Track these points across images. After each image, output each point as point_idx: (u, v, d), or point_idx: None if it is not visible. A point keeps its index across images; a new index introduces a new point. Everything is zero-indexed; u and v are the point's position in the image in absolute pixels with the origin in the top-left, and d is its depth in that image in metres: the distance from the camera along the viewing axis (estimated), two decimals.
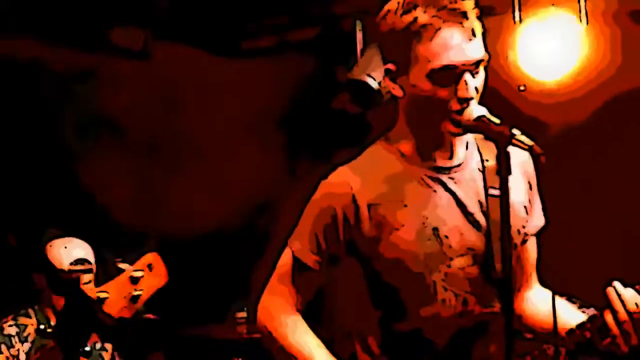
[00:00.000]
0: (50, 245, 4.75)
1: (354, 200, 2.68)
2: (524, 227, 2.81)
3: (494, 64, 5.22)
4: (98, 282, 4.69)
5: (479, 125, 2.52)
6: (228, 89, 5.88)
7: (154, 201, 5.91)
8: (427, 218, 2.66)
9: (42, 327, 4.66)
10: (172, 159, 5.99)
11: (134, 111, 5.87)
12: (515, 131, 2.41)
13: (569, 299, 4.61)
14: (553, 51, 5.13)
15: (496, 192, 2.63)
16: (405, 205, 2.67)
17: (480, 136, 2.78)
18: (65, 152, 5.98)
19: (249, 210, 5.90)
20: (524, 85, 5.18)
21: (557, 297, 2.86)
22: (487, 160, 2.75)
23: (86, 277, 4.65)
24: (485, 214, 2.70)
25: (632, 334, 2.62)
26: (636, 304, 2.62)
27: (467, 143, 2.77)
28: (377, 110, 5.32)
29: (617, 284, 2.67)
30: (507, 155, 2.42)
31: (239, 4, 5.74)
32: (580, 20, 5.07)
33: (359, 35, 5.58)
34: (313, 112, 5.88)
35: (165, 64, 5.96)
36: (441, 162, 2.72)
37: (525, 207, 2.81)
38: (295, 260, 2.81)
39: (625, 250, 5.05)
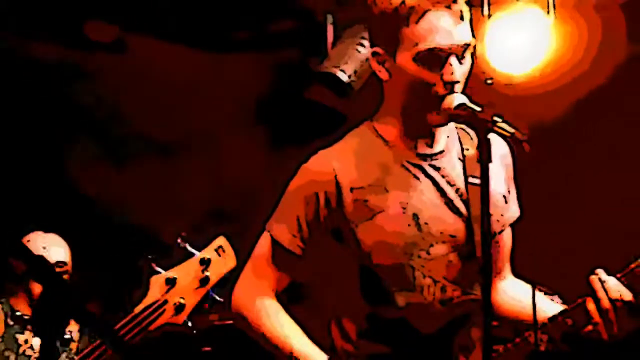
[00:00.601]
0: (28, 240, 4.69)
1: (337, 183, 2.67)
2: (502, 216, 2.81)
3: None
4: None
5: (460, 113, 2.50)
6: (207, 82, 5.82)
7: (138, 193, 5.84)
8: (407, 204, 2.66)
9: (9, 321, 4.62)
10: (153, 152, 5.91)
11: (114, 105, 5.78)
12: (496, 118, 2.40)
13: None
14: (521, 44, 5.15)
15: (476, 180, 2.64)
16: (387, 190, 2.67)
17: (461, 125, 2.77)
18: (43, 146, 5.90)
19: (233, 200, 5.83)
20: (491, 78, 5.16)
21: (526, 286, 2.87)
22: (467, 149, 2.77)
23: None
24: (466, 201, 2.67)
25: (614, 322, 2.63)
26: (619, 292, 2.61)
27: (449, 131, 2.77)
28: (353, 100, 5.27)
29: (600, 271, 2.69)
30: (488, 142, 2.41)
31: None
32: (548, 13, 5.08)
33: (330, 29, 5.53)
34: (293, 103, 5.84)
35: (141, 57, 5.86)
36: (423, 149, 2.72)
37: (504, 196, 2.82)
38: (276, 245, 2.78)
39: (597, 243, 5.04)
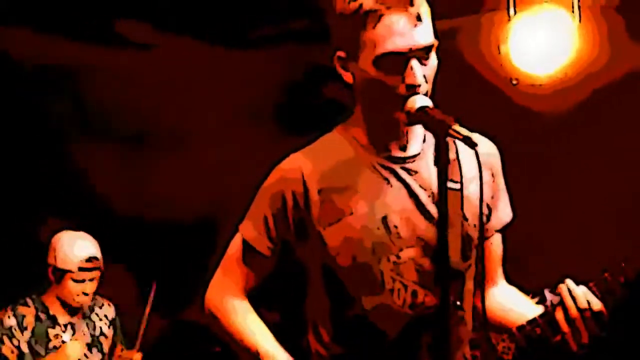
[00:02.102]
0: (58, 238, 4.72)
1: (304, 184, 2.58)
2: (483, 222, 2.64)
3: (488, 58, 5.16)
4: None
5: (421, 116, 2.38)
6: (227, 79, 5.78)
7: (156, 190, 5.84)
8: (377, 207, 2.55)
9: (41, 315, 4.65)
10: (173, 149, 5.89)
11: (137, 102, 5.76)
12: (452, 122, 2.28)
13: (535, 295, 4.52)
14: (545, 45, 5.01)
15: (453, 185, 2.54)
16: (356, 193, 2.57)
17: None
18: (64, 143, 5.91)
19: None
20: (517, 79, 5.02)
21: (519, 293, 2.73)
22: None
23: (93, 274, 4.66)
24: (438, 205, 2.54)
25: (583, 331, 2.51)
26: (588, 301, 2.50)
27: (425, 135, 2.64)
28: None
29: (569, 281, 2.57)
30: (446, 145, 2.29)
31: None
32: (573, 12, 4.93)
33: None
34: (310, 100, 5.77)
35: (166, 55, 5.83)
36: (395, 152, 2.61)
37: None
38: (245, 245, 2.71)
39: (620, 236, 4.87)
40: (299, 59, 5.82)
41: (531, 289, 2.99)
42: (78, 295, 4.63)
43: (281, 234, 2.64)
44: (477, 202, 2.60)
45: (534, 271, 4.00)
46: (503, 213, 2.76)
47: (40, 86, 5.85)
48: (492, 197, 2.70)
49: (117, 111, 5.86)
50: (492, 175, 2.71)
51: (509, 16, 5.02)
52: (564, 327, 2.49)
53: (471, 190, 2.60)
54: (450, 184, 2.52)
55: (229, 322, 2.77)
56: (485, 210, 2.66)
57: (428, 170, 2.59)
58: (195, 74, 5.77)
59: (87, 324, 4.77)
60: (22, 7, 5.59)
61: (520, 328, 2.55)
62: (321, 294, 2.65)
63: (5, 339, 4.52)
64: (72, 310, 4.70)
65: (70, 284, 4.62)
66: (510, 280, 2.87)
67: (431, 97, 2.48)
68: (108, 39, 5.87)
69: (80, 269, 4.60)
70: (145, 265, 5.59)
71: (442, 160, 2.27)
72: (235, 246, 2.75)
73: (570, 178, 5.14)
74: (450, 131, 2.25)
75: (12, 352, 4.51)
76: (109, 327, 4.85)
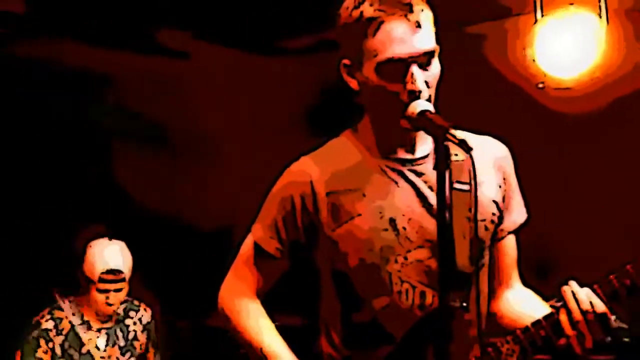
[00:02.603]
0: (90, 246, 4.73)
1: (312, 188, 2.60)
2: (493, 222, 2.66)
3: (515, 62, 5.13)
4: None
5: (421, 120, 2.38)
6: (263, 87, 5.80)
7: (193, 197, 5.87)
8: (384, 208, 2.56)
9: (75, 320, 4.67)
10: (209, 156, 5.92)
11: (175, 109, 5.81)
12: (448, 126, 2.29)
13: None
14: (572, 48, 4.97)
15: (461, 186, 2.53)
16: (364, 195, 2.57)
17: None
18: (106, 150, 5.96)
19: None
20: (543, 83, 4.99)
21: (534, 297, 2.70)
22: (455, 155, 2.59)
23: (117, 285, 4.66)
24: (448, 207, 2.52)
25: (587, 335, 2.46)
26: (591, 303, 2.45)
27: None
28: None
29: (572, 282, 2.52)
30: (446, 149, 2.28)
31: (274, 4, 5.65)
32: (600, 15, 4.89)
33: None
34: (342, 107, 5.78)
35: (204, 64, 5.86)
36: (403, 155, 2.61)
37: (495, 202, 2.67)
38: (256, 247, 2.74)
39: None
40: (333, 66, 5.83)
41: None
42: (102, 304, 4.64)
43: (291, 236, 2.66)
44: (488, 204, 2.61)
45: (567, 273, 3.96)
46: (516, 214, 2.74)
47: (83, 93, 5.93)
48: (504, 199, 2.69)
49: (156, 118, 5.90)
50: (504, 177, 2.69)
51: (536, 19, 5.00)
52: (568, 330, 2.45)
53: (481, 192, 2.57)
54: (458, 186, 2.54)
55: (239, 321, 2.80)
56: (496, 212, 2.65)
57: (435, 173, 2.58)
58: (232, 82, 5.79)
59: (120, 329, 4.78)
60: (69, 18, 5.68)
61: (525, 330, 2.51)
62: (332, 297, 2.66)
63: (42, 341, 4.55)
64: (103, 316, 4.74)
65: (95, 293, 4.63)
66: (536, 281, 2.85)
67: (435, 102, 2.49)
68: (148, 48, 5.92)
69: (101, 280, 4.62)
70: (173, 270, 5.65)
71: (440, 163, 2.26)
72: (246, 247, 2.78)
73: (599, 180, 5.08)
74: (448, 135, 2.25)
75: (46, 352, 4.55)
76: (142, 331, 4.85)
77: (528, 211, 2.78)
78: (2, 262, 5.68)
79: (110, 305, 4.65)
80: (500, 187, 2.67)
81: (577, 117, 5.09)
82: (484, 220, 2.61)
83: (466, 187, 2.55)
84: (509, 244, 2.77)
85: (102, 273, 4.60)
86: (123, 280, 4.66)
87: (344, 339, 2.65)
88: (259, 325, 2.78)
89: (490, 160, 2.66)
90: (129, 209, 5.89)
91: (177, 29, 5.93)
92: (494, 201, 2.65)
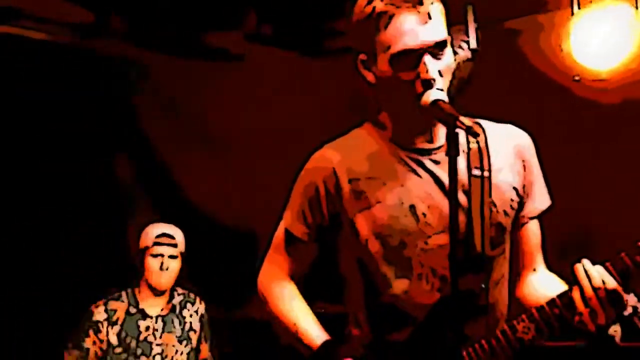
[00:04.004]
0: (146, 232, 4.90)
1: (335, 174, 2.69)
2: (512, 208, 2.70)
3: (551, 56, 5.12)
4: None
5: (434, 109, 2.45)
6: (313, 88, 5.86)
7: (246, 196, 5.94)
8: (404, 196, 2.62)
9: (131, 309, 4.79)
10: (262, 156, 6.00)
11: (225, 109, 5.90)
12: (457, 114, 2.35)
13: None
14: (607, 40, 4.95)
15: (478, 172, 2.60)
16: (384, 183, 2.65)
17: (467, 119, 2.70)
18: (160, 150, 6.08)
19: None
20: (579, 75, 4.99)
21: (557, 280, 2.74)
22: (472, 143, 2.65)
23: (171, 251, 4.78)
24: (467, 193, 2.60)
25: (600, 311, 2.47)
26: (603, 280, 2.47)
27: None
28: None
29: (585, 261, 2.54)
30: (456, 135, 2.34)
31: (322, 4, 5.71)
32: (637, 7, 4.88)
33: None
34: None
35: (257, 65, 5.94)
36: (422, 145, 2.67)
37: (515, 188, 2.71)
38: (286, 233, 2.84)
39: None
40: None
41: None
42: (157, 272, 4.75)
43: (317, 221, 2.75)
44: (507, 190, 2.67)
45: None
46: (539, 201, 2.76)
47: (137, 92, 6.06)
48: (524, 186, 2.72)
49: (206, 118, 5.99)
50: (524, 164, 2.73)
51: (572, 12, 4.98)
52: (580, 306, 2.47)
53: (500, 178, 2.65)
54: (477, 172, 2.61)
55: (274, 304, 2.90)
56: (515, 198, 2.70)
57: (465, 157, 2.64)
58: (280, 82, 5.86)
59: (178, 318, 4.87)
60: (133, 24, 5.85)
61: (540, 309, 2.54)
62: (357, 281, 2.73)
63: (91, 332, 4.68)
64: (160, 294, 4.82)
65: (149, 260, 4.76)
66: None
67: (451, 92, 2.55)
68: (201, 51, 6.01)
69: (155, 244, 4.76)
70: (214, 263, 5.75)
71: (451, 150, 2.32)
72: (278, 234, 2.88)
73: (634, 168, 5.06)
74: (457, 122, 2.32)
75: (95, 343, 4.66)
76: (198, 322, 4.95)
77: (552, 198, 2.80)
78: (64, 255, 5.83)
79: (165, 270, 4.75)
80: (519, 173, 2.71)
81: (613, 108, 5.05)
82: (502, 205, 2.65)
83: (484, 173, 2.61)
84: (532, 230, 2.80)
85: (156, 237, 4.77)
86: (176, 247, 4.79)
87: (368, 321, 2.72)
88: (292, 306, 2.87)
89: (510, 148, 2.71)
90: (179, 204, 6.00)
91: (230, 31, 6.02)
92: (513, 187, 2.69)
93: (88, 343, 4.67)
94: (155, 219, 5.00)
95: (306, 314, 2.86)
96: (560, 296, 2.54)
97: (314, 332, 2.79)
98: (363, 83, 2.68)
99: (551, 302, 2.54)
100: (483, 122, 2.77)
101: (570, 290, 2.52)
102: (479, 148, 2.65)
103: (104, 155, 6.04)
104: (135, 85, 6.02)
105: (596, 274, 2.48)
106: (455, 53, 5.15)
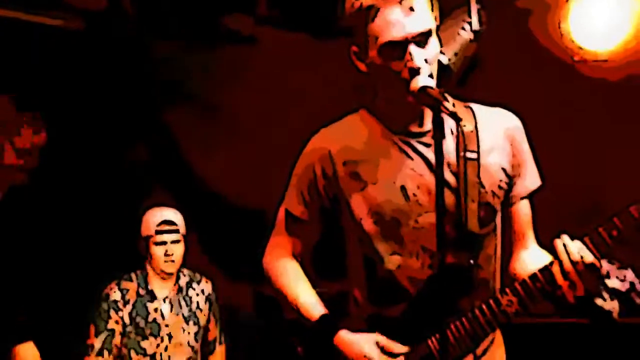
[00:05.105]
0: (145, 214, 4.96)
1: (331, 157, 2.83)
2: (501, 188, 2.80)
3: (554, 35, 5.12)
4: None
5: (422, 95, 2.55)
6: (323, 70, 5.89)
7: (261, 180, 6.01)
8: (396, 177, 2.75)
9: (141, 291, 4.86)
10: (275, 139, 6.05)
11: (244, 96, 5.94)
12: (442, 99, 2.46)
13: (610, 261, 4.50)
14: (606, 20, 5.01)
15: (470, 154, 2.72)
16: (378, 165, 2.78)
17: (458, 102, 2.85)
18: (173, 133, 6.15)
19: None
20: (578, 56, 5.06)
21: (548, 256, 2.82)
22: (464, 126, 2.78)
23: (173, 237, 4.85)
24: (456, 174, 2.71)
25: (578, 284, 2.58)
26: (581, 255, 2.57)
27: None
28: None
29: (564, 236, 2.64)
30: (441, 120, 2.49)
31: None
32: None
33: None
34: None
35: (270, 48, 6.00)
36: (414, 128, 2.79)
37: (504, 169, 2.81)
38: (286, 212, 2.98)
39: None
40: None
41: None
42: (162, 259, 4.81)
43: (315, 201, 2.89)
44: (496, 172, 2.78)
45: None
46: (529, 181, 2.86)
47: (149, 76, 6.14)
48: (513, 167, 2.82)
49: (222, 101, 6.06)
50: (513, 146, 2.83)
51: None
52: (560, 280, 2.57)
53: (489, 160, 2.77)
54: (468, 154, 2.72)
55: (277, 279, 3.04)
56: (504, 178, 2.80)
57: (445, 142, 2.74)
58: (291, 64, 5.89)
59: (184, 298, 4.93)
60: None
61: (522, 283, 2.65)
62: (356, 258, 2.88)
63: (112, 312, 4.75)
64: (167, 278, 4.88)
65: (154, 249, 4.82)
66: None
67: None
68: (214, 34, 6.08)
69: (158, 232, 4.82)
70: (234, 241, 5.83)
71: (437, 134, 2.44)
72: (280, 214, 3.03)
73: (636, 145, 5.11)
74: (441, 107, 2.44)
75: (117, 323, 4.74)
76: (205, 302, 5.00)
77: (543, 179, 2.90)
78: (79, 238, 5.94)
79: (170, 256, 4.82)
80: (509, 155, 2.82)
81: (613, 86, 5.08)
82: (491, 186, 2.76)
83: (473, 155, 2.73)
84: (522, 209, 2.90)
85: (158, 225, 4.83)
86: (178, 232, 4.85)
87: (367, 297, 2.86)
88: (294, 282, 3.01)
89: (500, 130, 2.82)
90: (192, 185, 6.07)
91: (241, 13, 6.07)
92: (502, 168, 2.80)
93: (112, 324, 4.75)
94: (158, 204, 5.05)
95: (306, 289, 2.99)
96: (541, 270, 2.65)
97: (313, 306, 2.91)
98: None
99: (533, 277, 2.65)
100: (474, 105, 2.89)
101: (551, 264, 2.62)
102: (463, 132, 2.76)
103: (118, 139, 6.11)
104: (147, 69, 6.07)
105: (574, 249, 2.58)
106: (459, 34, 5.22)
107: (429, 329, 2.71)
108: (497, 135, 2.81)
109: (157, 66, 6.12)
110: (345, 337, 2.79)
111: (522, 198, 2.88)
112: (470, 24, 5.04)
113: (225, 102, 6.05)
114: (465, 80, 5.16)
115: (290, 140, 3.10)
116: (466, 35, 5.10)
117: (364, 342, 2.75)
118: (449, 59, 5.12)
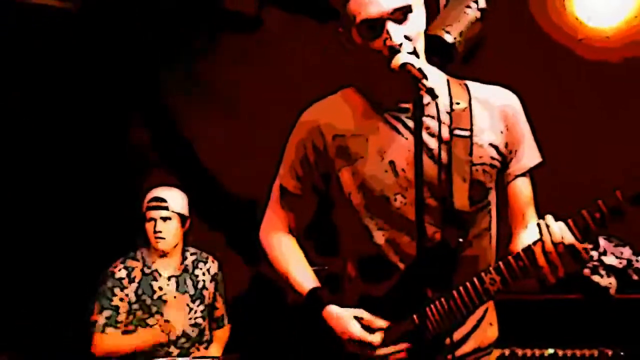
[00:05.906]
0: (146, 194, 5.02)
1: (320, 131, 2.85)
2: (493, 166, 2.79)
3: (555, 16, 5.09)
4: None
5: (404, 72, 2.54)
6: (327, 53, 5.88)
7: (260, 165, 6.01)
8: (385, 152, 2.75)
9: (146, 269, 4.90)
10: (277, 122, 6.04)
11: (246, 79, 5.94)
12: (420, 76, 2.46)
13: (608, 238, 4.47)
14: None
15: (462, 132, 2.72)
16: (367, 140, 2.78)
17: (454, 80, 2.86)
18: (175, 112, 6.17)
19: None
20: (583, 35, 5.04)
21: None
22: (457, 103, 2.77)
23: (162, 213, 4.87)
24: (448, 151, 2.71)
25: (559, 265, 2.55)
26: (562, 236, 2.54)
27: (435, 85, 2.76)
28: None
29: (548, 216, 2.61)
30: (420, 98, 2.49)
31: None
32: None
33: None
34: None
35: (271, 30, 6.00)
36: (405, 104, 2.77)
37: (496, 147, 2.79)
38: (280, 187, 3.00)
39: None
40: None
41: None
42: (152, 236, 4.85)
43: (307, 175, 2.91)
44: (488, 149, 2.76)
45: None
46: (527, 158, 2.83)
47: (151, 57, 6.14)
48: (507, 145, 2.80)
49: (226, 86, 6.03)
50: (508, 124, 2.80)
51: None
52: (541, 260, 2.55)
53: (482, 137, 2.75)
54: (459, 132, 2.72)
55: (271, 253, 3.06)
56: (495, 156, 2.78)
57: (436, 118, 2.70)
58: (294, 47, 5.85)
59: (190, 277, 4.98)
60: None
61: (505, 262, 2.63)
62: (348, 233, 2.89)
63: (117, 290, 4.79)
64: (163, 255, 4.91)
65: (147, 225, 4.88)
66: None
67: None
68: (215, 15, 6.03)
69: (148, 209, 4.87)
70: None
71: (416, 110, 2.45)
72: (274, 188, 3.04)
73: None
74: (419, 85, 2.44)
75: (122, 300, 4.78)
76: (211, 281, 5.05)
77: (543, 155, 2.87)
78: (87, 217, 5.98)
79: (159, 233, 4.84)
80: (502, 133, 2.79)
81: (619, 66, 5.02)
82: (482, 164, 2.75)
83: (466, 133, 2.72)
84: (521, 186, 2.87)
85: (148, 202, 4.88)
86: (167, 209, 4.86)
87: (358, 272, 2.87)
88: (287, 255, 3.02)
89: (494, 108, 2.80)
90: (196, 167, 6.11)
91: None
92: (494, 146, 2.78)
93: (116, 301, 4.78)
94: (160, 184, 5.08)
95: (299, 263, 3.01)
96: (524, 250, 2.62)
97: (304, 279, 2.93)
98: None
99: (516, 256, 2.63)
100: (470, 83, 2.88)
101: (535, 244, 2.60)
102: (446, 108, 2.76)
103: (119, 119, 6.13)
104: (149, 51, 6.08)
105: (557, 230, 2.55)
106: (465, 13, 5.18)
107: (416, 305, 2.66)
108: (492, 113, 2.79)
109: (157, 46, 6.10)
110: (332, 312, 2.79)
111: (518, 175, 2.85)
112: (476, 2, 5.01)
113: (226, 83, 6.02)
114: (469, 58, 5.16)
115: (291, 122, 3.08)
116: (472, 13, 5.08)
117: (347, 318, 2.75)
118: (455, 38, 5.10)
